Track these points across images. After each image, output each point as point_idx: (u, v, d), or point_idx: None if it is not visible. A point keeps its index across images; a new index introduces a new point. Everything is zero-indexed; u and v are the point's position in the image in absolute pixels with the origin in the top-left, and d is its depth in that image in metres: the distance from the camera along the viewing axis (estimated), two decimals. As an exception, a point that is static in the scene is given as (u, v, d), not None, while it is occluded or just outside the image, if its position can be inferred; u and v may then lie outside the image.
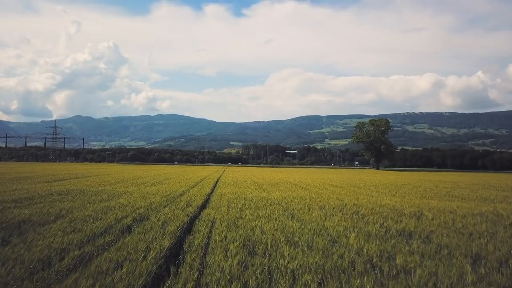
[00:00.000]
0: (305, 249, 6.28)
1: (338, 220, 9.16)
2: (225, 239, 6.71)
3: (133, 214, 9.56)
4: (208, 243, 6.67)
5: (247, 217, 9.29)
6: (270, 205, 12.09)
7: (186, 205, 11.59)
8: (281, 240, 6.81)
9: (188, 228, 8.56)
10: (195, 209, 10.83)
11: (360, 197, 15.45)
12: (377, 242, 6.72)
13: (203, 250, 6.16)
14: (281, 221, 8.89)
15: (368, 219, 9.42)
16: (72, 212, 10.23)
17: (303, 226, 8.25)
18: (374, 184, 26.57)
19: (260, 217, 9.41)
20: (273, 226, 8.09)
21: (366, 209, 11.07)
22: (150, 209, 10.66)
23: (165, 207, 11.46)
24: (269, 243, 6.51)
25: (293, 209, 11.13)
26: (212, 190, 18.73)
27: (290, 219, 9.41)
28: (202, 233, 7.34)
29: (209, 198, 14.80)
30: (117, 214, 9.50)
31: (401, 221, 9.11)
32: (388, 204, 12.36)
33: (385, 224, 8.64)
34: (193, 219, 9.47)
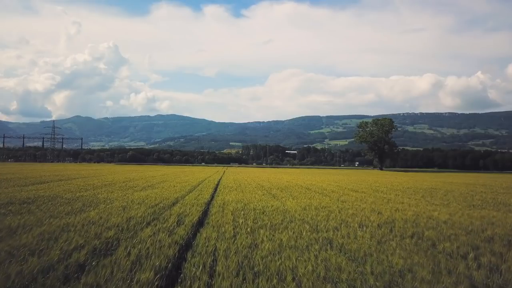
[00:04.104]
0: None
1: (400, 250, 6.09)
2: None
3: (96, 241, 6.44)
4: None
5: (264, 247, 6.19)
6: (290, 221, 8.99)
7: (177, 223, 8.49)
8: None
9: (176, 266, 5.49)
10: (189, 230, 7.71)
11: (398, 206, 12.33)
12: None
13: None
14: (317, 253, 5.81)
15: (445, 249, 6.33)
16: (15, 234, 7.15)
17: (359, 267, 5.16)
18: (396, 187, 23.44)
19: (284, 246, 6.31)
20: (312, 268, 4.99)
21: (426, 229, 7.98)
22: (124, 230, 7.55)
23: (148, 224, 8.35)
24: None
25: (324, 228, 8.02)
26: (212, 197, 15.62)
27: (329, 248, 6.31)
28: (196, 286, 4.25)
29: (208, 209, 11.69)
30: (72, 240, 6.39)
31: (499, 253, 6.01)
32: (450, 220, 9.24)
33: (484, 261, 5.53)
34: (185, 249, 6.38)
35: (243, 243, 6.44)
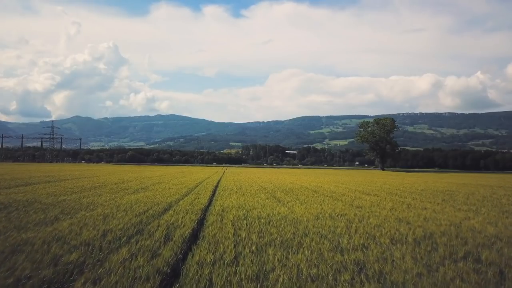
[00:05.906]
0: None
1: (462, 284, 4.45)
2: None
3: (49, 269, 4.78)
4: None
5: (277, 279, 4.54)
6: (304, 234, 7.33)
7: (164, 237, 6.83)
8: None
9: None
10: (178, 249, 6.05)
11: (424, 214, 10.64)
12: None
13: None
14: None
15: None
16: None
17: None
18: (409, 189, 21.75)
19: (304, 277, 4.66)
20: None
21: (479, 247, 6.32)
22: (95, 250, 5.89)
23: (128, 240, 6.69)
24: None
25: (350, 247, 6.36)
26: (210, 201, 13.96)
27: (364, 279, 4.66)
28: None
29: (204, 217, 10.03)
30: (17, 268, 4.75)
31: None
32: (501, 233, 7.57)
33: None
34: (170, 278, 4.73)
35: (247, 271, 4.79)
